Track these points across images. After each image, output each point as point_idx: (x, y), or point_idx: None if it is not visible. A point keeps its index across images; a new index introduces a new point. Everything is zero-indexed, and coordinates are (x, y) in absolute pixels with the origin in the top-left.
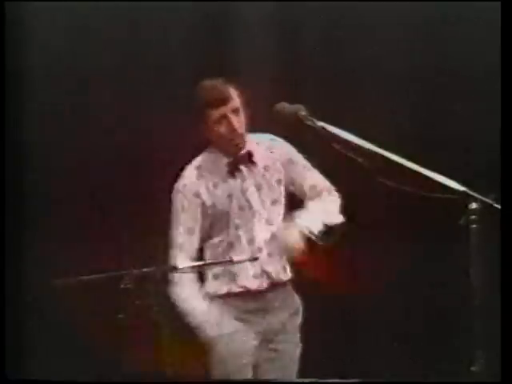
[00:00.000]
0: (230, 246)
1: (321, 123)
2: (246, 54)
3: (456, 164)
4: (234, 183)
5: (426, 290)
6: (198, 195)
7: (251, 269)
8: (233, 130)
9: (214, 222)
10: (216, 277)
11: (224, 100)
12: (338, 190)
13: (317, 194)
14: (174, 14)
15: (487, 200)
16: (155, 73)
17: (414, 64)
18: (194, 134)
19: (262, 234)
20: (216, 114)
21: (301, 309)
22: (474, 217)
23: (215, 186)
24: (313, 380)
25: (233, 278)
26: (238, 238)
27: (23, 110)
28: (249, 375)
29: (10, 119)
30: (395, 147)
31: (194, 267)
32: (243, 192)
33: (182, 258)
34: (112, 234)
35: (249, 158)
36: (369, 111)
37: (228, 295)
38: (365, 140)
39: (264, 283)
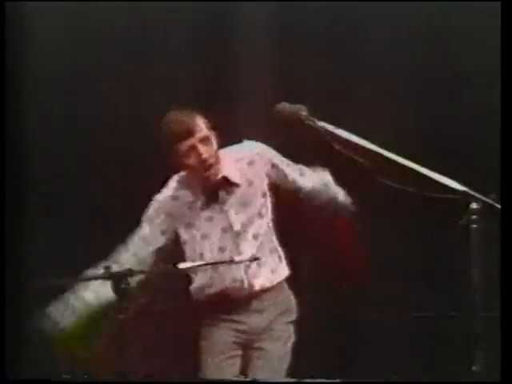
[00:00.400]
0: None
1: (321, 123)
2: (246, 54)
3: (456, 164)
4: (213, 208)
5: (426, 289)
6: (170, 215)
7: (238, 282)
8: (202, 160)
9: (192, 245)
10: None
11: (190, 132)
12: None
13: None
14: (174, 13)
15: (487, 200)
16: (155, 73)
17: (414, 64)
18: None
19: (248, 249)
20: (184, 146)
21: (294, 306)
22: (474, 217)
23: (191, 209)
24: (312, 380)
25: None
26: (223, 259)
27: (23, 110)
28: (234, 372)
29: (10, 119)
30: (395, 147)
31: (194, 267)
32: (224, 214)
33: (132, 261)
34: (112, 234)
35: (226, 182)
36: (369, 111)
37: (212, 298)
38: (365, 140)
39: (248, 293)
